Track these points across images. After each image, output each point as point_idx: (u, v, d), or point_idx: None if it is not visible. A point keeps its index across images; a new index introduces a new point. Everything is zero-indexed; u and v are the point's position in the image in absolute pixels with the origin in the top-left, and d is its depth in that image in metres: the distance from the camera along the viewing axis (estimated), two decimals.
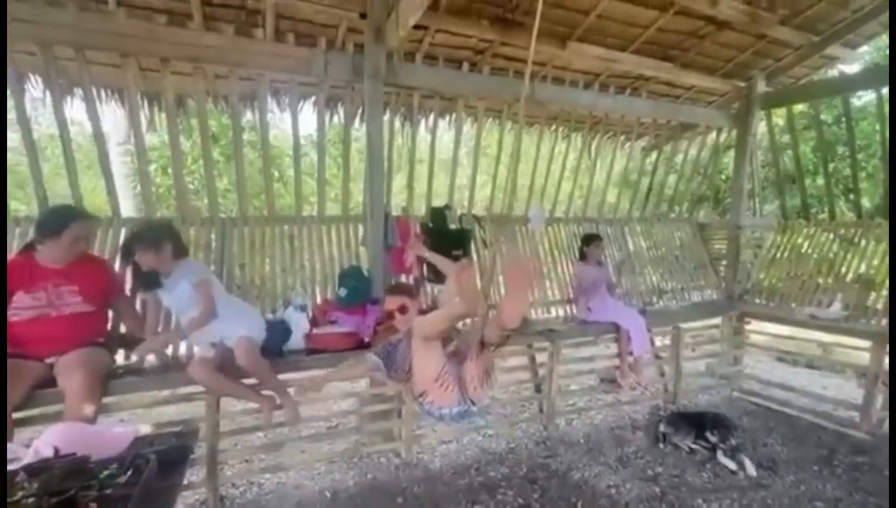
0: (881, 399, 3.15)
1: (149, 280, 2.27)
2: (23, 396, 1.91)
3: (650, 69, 3.75)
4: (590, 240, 3.67)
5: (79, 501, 0.95)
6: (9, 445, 1.27)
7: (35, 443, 1.22)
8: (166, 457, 1.21)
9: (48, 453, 1.14)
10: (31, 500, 0.91)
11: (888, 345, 3.05)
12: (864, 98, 6.64)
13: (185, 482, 2.29)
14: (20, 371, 1.92)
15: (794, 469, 2.75)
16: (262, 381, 2.34)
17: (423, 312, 2.21)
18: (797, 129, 4.59)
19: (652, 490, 2.55)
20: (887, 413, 3.11)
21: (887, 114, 3.68)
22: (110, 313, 2.42)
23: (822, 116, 4.93)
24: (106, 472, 1.08)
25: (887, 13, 3.41)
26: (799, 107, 4.96)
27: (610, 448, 3.03)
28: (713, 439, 2.89)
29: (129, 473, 1.09)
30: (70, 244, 2.07)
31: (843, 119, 4.56)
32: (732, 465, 2.74)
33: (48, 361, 2.03)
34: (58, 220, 2.07)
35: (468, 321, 2.16)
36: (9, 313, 1.99)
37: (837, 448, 3.00)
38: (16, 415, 1.89)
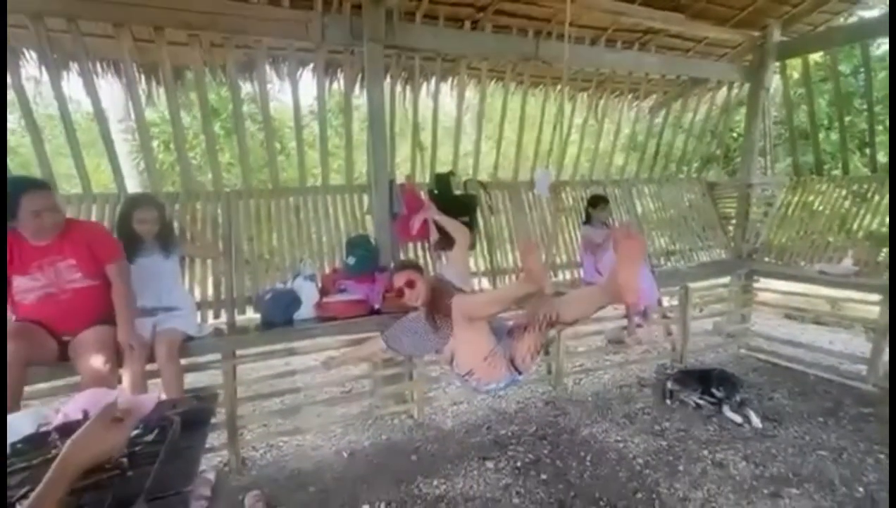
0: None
1: (127, 251, 2.25)
2: (45, 357, 1.92)
3: (660, 21, 3.58)
4: (595, 202, 3.64)
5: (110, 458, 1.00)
6: (39, 410, 1.33)
7: (64, 408, 1.27)
8: (189, 419, 1.26)
9: (78, 416, 1.19)
10: None
11: (889, 321, 3.05)
12: (884, 46, 6.35)
13: (208, 444, 2.39)
14: (41, 335, 1.93)
15: (799, 421, 2.81)
16: (166, 381, 2.17)
17: (434, 289, 2.21)
18: (812, 81, 4.41)
19: (659, 443, 2.63)
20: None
21: None
22: None
23: (840, 67, 4.74)
24: (134, 432, 1.12)
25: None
26: (815, 58, 4.75)
27: (618, 406, 3.10)
28: (719, 394, 2.95)
29: (156, 432, 1.14)
30: (33, 219, 1.83)
31: (862, 69, 4.38)
32: (738, 418, 2.80)
33: (64, 338, 2.02)
34: (8, 197, 1.80)
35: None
36: (15, 296, 1.94)
37: (843, 400, 3.05)
38: (42, 385, 1.96)
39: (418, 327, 2.19)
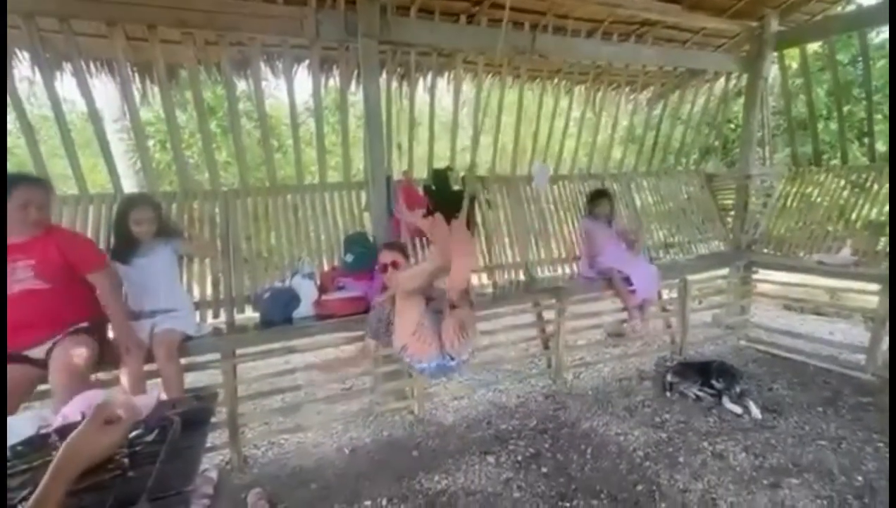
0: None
1: (124, 252, 2.28)
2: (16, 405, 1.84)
3: (656, 12, 3.56)
4: (596, 197, 3.62)
5: (111, 458, 1.00)
6: (38, 413, 1.33)
7: (63, 410, 1.27)
8: (189, 418, 1.26)
9: (77, 418, 1.19)
10: None
11: (889, 315, 3.06)
12: (883, 35, 6.32)
13: (210, 443, 2.40)
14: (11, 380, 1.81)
15: (799, 411, 2.81)
16: (167, 381, 2.19)
17: None
18: (811, 71, 4.39)
19: (659, 435, 2.64)
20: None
21: None
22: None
23: (838, 57, 4.71)
24: (134, 432, 1.13)
25: None
26: (813, 47, 4.73)
27: (618, 399, 3.11)
28: (719, 386, 2.96)
29: (156, 433, 1.14)
30: (19, 212, 1.84)
31: (860, 58, 4.35)
32: (738, 409, 2.81)
33: (29, 353, 1.91)
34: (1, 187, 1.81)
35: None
36: None
37: (842, 389, 3.06)
38: (43, 386, 1.94)
39: (383, 314, 2.23)
